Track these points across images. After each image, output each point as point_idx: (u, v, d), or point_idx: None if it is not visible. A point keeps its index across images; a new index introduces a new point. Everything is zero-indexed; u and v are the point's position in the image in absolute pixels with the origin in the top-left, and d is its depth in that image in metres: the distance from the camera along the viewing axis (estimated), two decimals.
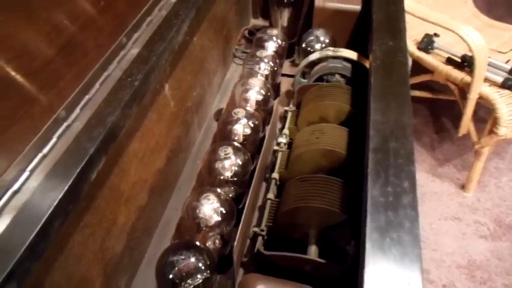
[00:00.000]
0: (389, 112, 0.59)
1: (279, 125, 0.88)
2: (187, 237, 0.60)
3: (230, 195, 0.69)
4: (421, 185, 1.76)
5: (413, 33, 1.63)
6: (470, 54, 1.29)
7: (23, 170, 0.50)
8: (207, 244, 0.64)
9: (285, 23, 1.00)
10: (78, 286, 0.59)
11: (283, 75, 0.97)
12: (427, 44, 1.54)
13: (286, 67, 1.03)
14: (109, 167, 0.62)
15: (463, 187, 1.66)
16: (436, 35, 1.54)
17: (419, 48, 1.55)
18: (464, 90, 1.42)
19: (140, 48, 0.68)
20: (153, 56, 0.67)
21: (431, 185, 1.71)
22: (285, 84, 0.97)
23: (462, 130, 1.49)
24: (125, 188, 0.68)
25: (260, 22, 1.22)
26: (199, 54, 0.91)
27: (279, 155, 0.75)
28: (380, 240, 0.47)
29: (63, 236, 0.54)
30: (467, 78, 1.37)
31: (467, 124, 1.47)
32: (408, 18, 1.62)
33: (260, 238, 0.64)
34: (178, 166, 0.90)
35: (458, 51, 1.45)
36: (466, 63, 1.39)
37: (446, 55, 1.49)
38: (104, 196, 0.62)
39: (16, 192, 0.49)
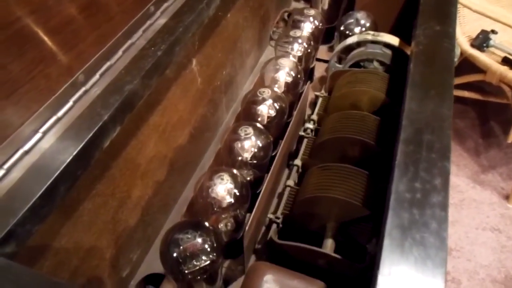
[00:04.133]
0: (426, 101, 0.54)
1: (309, 111, 0.84)
2: (198, 217, 0.58)
3: (248, 178, 0.66)
4: (460, 191, 1.66)
5: (468, 28, 1.53)
6: None
7: (36, 131, 0.49)
8: (219, 226, 0.62)
9: (326, 6, 0.95)
10: (87, 254, 0.58)
11: (319, 60, 0.92)
12: (482, 41, 1.43)
13: (323, 52, 0.98)
14: (125, 138, 0.61)
15: (507, 197, 1.55)
16: (493, 32, 1.43)
17: (473, 45, 1.45)
18: None
19: (168, 18, 0.66)
20: (180, 27, 0.64)
21: (471, 192, 1.61)
22: (319, 70, 0.92)
23: None
24: (142, 161, 0.67)
25: (301, 5, 1.17)
26: (232, 32, 0.88)
27: (305, 141, 0.71)
28: (401, 239, 0.42)
29: (72, 202, 0.53)
30: None
31: None
32: (464, 12, 1.52)
33: (274, 225, 0.61)
34: (202, 145, 0.87)
35: None
36: None
37: (503, 54, 1.38)
38: (119, 166, 0.61)
39: (26, 153, 0.48)
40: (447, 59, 0.58)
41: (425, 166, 0.47)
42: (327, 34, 0.94)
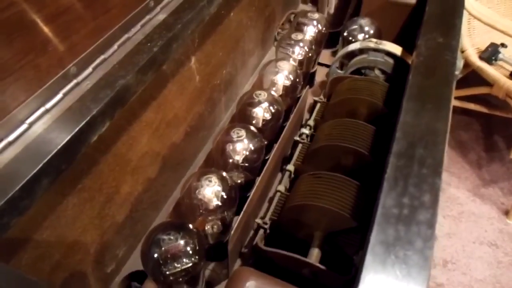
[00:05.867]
0: (422, 114, 0.52)
1: (307, 116, 0.82)
2: (184, 218, 0.57)
3: (239, 181, 0.65)
4: (460, 204, 1.65)
5: (477, 40, 1.51)
6: None
7: (22, 122, 0.48)
8: (206, 228, 0.61)
9: (331, 10, 0.93)
10: (70, 248, 0.58)
11: (321, 64, 0.91)
12: (491, 54, 1.41)
13: (326, 57, 0.97)
14: (115, 133, 0.60)
15: (507, 213, 1.53)
16: (503, 45, 1.41)
17: (481, 58, 1.43)
18: None
19: (167, 14, 0.65)
20: (178, 24, 0.63)
21: (471, 205, 1.59)
22: (321, 74, 0.90)
23: None
24: (133, 157, 0.66)
25: (308, 7, 1.15)
26: (235, 31, 0.87)
27: (299, 146, 0.70)
28: (384, 256, 0.41)
29: (56, 195, 0.52)
30: None
31: None
32: (474, 23, 1.49)
33: (261, 231, 0.60)
34: (197, 144, 0.87)
35: None
36: None
37: (511, 69, 1.36)
38: (108, 162, 0.60)
39: (10, 143, 0.47)
40: (448, 72, 0.57)
41: (415, 181, 0.46)
42: (332, 38, 0.93)
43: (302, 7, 1.18)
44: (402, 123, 0.51)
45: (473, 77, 1.50)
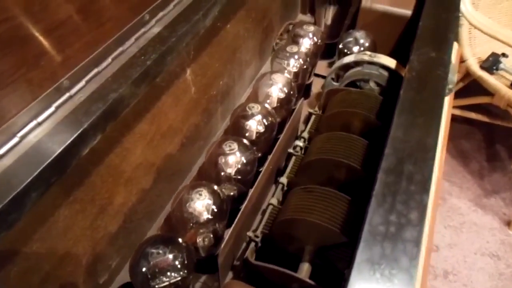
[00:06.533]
0: (413, 130, 0.52)
1: (303, 127, 0.82)
2: (175, 230, 0.57)
3: (232, 193, 0.65)
4: (461, 214, 1.64)
5: (478, 50, 1.50)
6: None
7: (14, 135, 0.49)
8: (197, 241, 0.61)
9: (328, 22, 0.94)
10: (61, 260, 0.58)
11: (318, 75, 0.91)
12: (492, 64, 1.41)
13: (323, 68, 0.97)
14: (108, 145, 0.60)
15: (509, 223, 1.52)
16: (504, 55, 1.41)
17: (482, 67, 1.42)
18: None
19: (162, 27, 0.66)
20: (172, 37, 0.64)
21: (472, 216, 1.58)
22: (317, 85, 0.91)
23: None
24: (127, 169, 0.66)
25: (307, 18, 1.16)
26: (231, 42, 0.87)
27: (293, 159, 0.70)
28: (369, 274, 0.41)
29: (47, 208, 0.53)
30: None
31: None
32: (475, 33, 1.49)
33: (252, 244, 0.60)
34: (193, 155, 0.87)
35: None
36: None
37: None
38: (100, 173, 0.60)
39: (1, 157, 0.48)
40: (439, 87, 0.57)
41: (403, 198, 0.46)
42: (329, 49, 0.93)
43: (301, 17, 1.19)
44: (392, 138, 0.51)
45: (474, 86, 1.49)
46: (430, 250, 0.64)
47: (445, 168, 1.83)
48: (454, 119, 1.90)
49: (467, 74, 1.47)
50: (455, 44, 0.93)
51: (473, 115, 1.60)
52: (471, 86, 1.53)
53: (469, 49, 1.46)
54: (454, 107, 1.85)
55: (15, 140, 0.49)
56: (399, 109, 0.54)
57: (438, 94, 0.56)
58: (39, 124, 0.51)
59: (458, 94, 1.74)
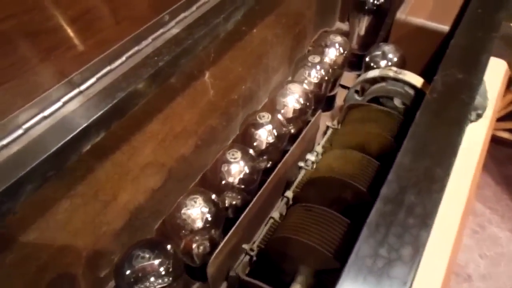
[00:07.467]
0: (423, 157, 0.48)
1: (321, 141, 0.79)
2: (168, 236, 0.57)
3: (234, 202, 0.64)
4: (501, 245, 1.53)
5: None
6: None
7: (18, 127, 0.50)
8: (193, 247, 0.60)
9: (362, 32, 0.90)
10: (60, 251, 0.59)
11: (344, 87, 0.88)
12: None
13: (352, 80, 0.93)
14: (114, 142, 0.61)
15: None
16: None
17: None
18: None
19: (181, 29, 0.65)
20: (189, 39, 0.63)
21: None
22: (342, 98, 0.87)
23: None
24: (134, 167, 0.67)
25: (345, 26, 1.12)
26: (257, 47, 0.86)
27: (302, 173, 0.68)
28: None
29: (47, 199, 0.54)
30: None
31: None
32: None
33: (246, 257, 0.58)
34: (208, 157, 0.86)
35: None
36: None
37: None
38: (106, 169, 0.61)
39: (2, 148, 0.49)
40: (460, 113, 0.52)
41: (398, 231, 0.42)
42: (360, 60, 0.90)
43: (338, 25, 1.15)
44: (397, 164, 0.48)
45: None
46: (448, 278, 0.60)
47: (487, 194, 1.72)
48: (502, 142, 1.78)
49: None
50: (505, 66, 0.86)
51: None
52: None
53: None
54: (504, 129, 1.73)
55: (19, 131, 0.50)
56: (411, 133, 0.51)
57: (459, 120, 0.52)
58: (45, 117, 0.53)
59: (507, 117, 1.62)
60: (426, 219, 0.43)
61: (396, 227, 0.43)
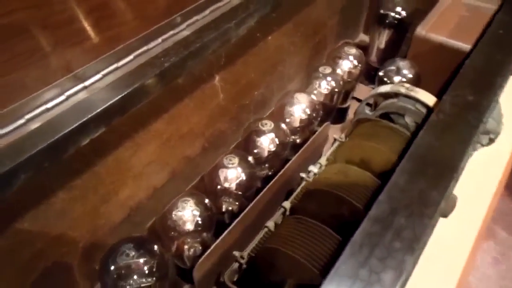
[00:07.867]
0: (418, 179, 0.46)
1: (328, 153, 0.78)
2: (158, 236, 0.57)
3: (231, 208, 0.63)
4: None
5: None
6: None
7: (21, 117, 0.52)
8: (184, 248, 0.60)
9: (382, 45, 0.88)
10: (55, 240, 0.60)
11: (359, 100, 0.86)
12: None
13: (366, 92, 0.91)
14: (117, 138, 0.62)
15: None
16: None
17: None
18: None
19: (191, 32, 0.66)
20: (197, 42, 0.63)
21: None
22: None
23: None
24: (137, 164, 0.67)
25: (367, 39, 1.10)
26: (272, 54, 0.85)
27: (302, 184, 0.66)
28: None
29: (43, 189, 0.55)
30: None
31: None
32: None
33: (235, 265, 0.57)
34: (215, 160, 0.86)
35: None
36: None
37: None
38: (106, 165, 0.62)
39: (1, 136, 0.50)
40: (465, 136, 0.50)
41: (382, 254, 0.41)
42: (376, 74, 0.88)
43: (362, 37, 1.13)
44: (391, 184, 0.46)
45: None
46: None
47: None
48: None
49: None
50: None
51: None
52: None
53: None
54: None
55: (21, 121, 0.52)
56: (410, 152, 0.49)
57: (463, 142, 0.49)
58: (48, 109, 0.54)
59: None
60: (413, 244, 0.41)
61: (381, 249, 0.41)
